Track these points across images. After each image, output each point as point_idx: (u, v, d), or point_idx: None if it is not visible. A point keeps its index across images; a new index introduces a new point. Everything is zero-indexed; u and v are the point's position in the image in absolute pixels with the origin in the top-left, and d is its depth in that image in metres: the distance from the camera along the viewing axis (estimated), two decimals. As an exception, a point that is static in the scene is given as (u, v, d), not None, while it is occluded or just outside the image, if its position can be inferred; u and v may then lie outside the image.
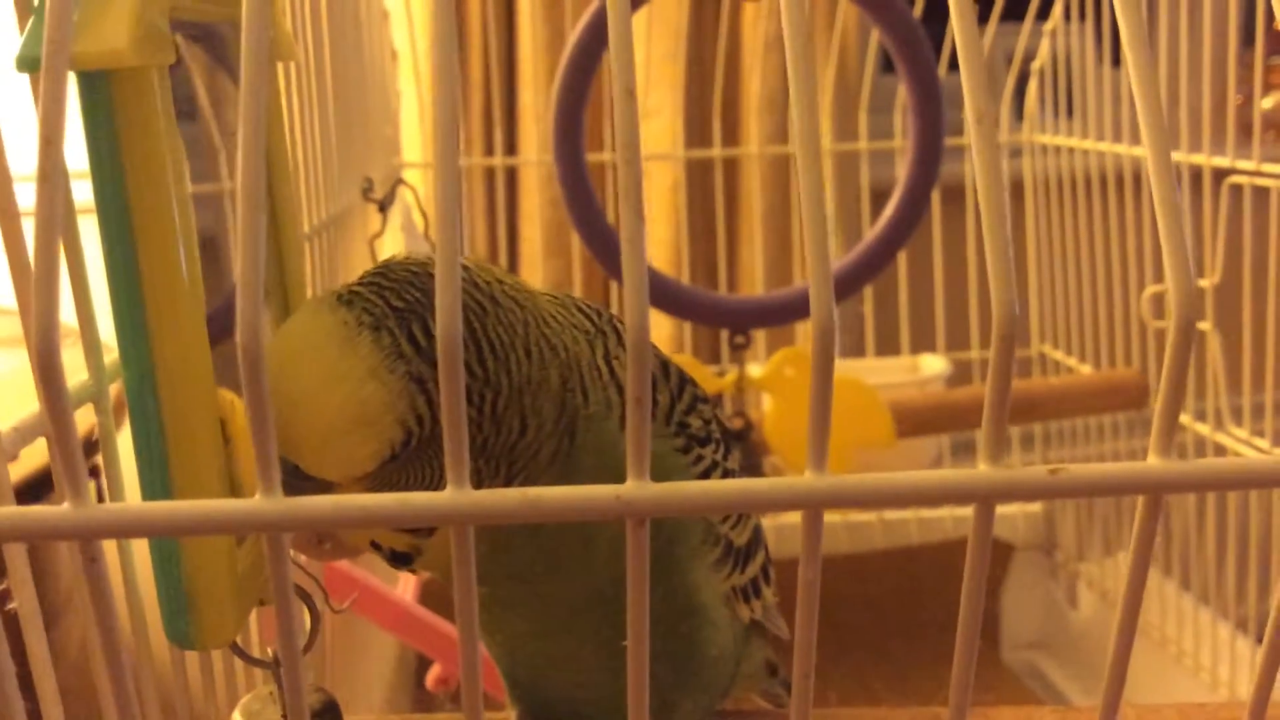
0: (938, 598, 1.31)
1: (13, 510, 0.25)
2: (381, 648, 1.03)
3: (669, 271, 1.40)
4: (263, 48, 0.25)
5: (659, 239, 1.56)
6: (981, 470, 0.27)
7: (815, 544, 0.28)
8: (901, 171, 0.96)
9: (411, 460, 0.38)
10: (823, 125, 1.42)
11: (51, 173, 0.25)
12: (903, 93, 1.17)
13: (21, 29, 0.32)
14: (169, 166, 0.32)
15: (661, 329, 1.43)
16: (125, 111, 0.31)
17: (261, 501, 0.26)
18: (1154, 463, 0.28)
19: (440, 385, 0.26)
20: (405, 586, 0.82)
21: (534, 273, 1.51)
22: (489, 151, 1.49)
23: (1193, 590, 1.19)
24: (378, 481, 0.38)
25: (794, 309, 0.99)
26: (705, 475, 0.44)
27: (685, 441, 0.44)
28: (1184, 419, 1.11)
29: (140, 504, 0.26)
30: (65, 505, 0.26)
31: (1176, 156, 1.08)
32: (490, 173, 1.50)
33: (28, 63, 0.30)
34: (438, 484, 0.38)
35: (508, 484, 0.39)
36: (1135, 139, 1.16)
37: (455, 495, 0.27)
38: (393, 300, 0.37)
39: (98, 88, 0.31)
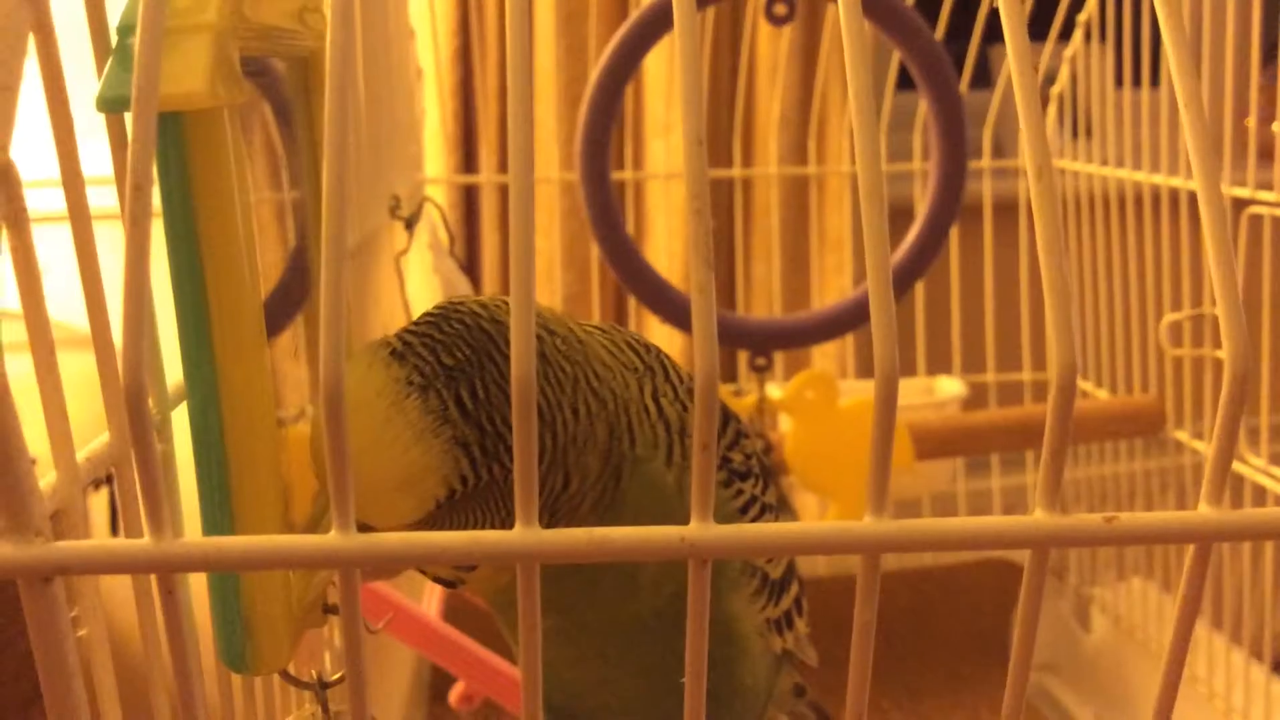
0: (950, 620, 1.32)
1: (95, 543, 0.26)
2: (398, 663, 1.03)
3: (683, 286, 1.41)
4: (346, 103, 0.25)
5: (675, 253, 1.57)
6: (1038, 517, 0.28)
7: (872, 587, 0.29)
8: (921, 194, 0.97)
9: (456, 509, 0.38)
10: (843, 145, 1.42)
11: (141, 217, 0.25)
12: (920, 112, 1.18)
13: (99, 68, 0.33)
14: (238, 203, 0.33)
15: (675, 346, 1.44)
16: (198, 150, 0.32)
17: (337, 538, 0.27)
18: (1206, 511, 0.28)
19: (514, 427, 0.26)
20: (429, 604, 0.83)
21: (550, 285, 1.52)
22: (503, 167, 1.50)
23: (1205, 616, 1.19)
24: (422, 526, 0.39)
25: (816, 331, 0.99)
26: (744, 509, 0.45)
27: (727, 476, 0.44)
28: (1200, 446, 1.12)
29: (218, 539, 0.27)
30: (146, 539, 0.26)
31: (1191, 185, 1.08)
32: (504, 188, 1.51)
33: (111, 103, 0.30)
34: (487, 524, 0.39)
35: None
36: (1155, 165, 1.17)
37: (524, 534, 0.27)
38: (444, 357, 0.38)
39: (171, 127, 0.32)
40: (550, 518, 0.39)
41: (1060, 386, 0.27)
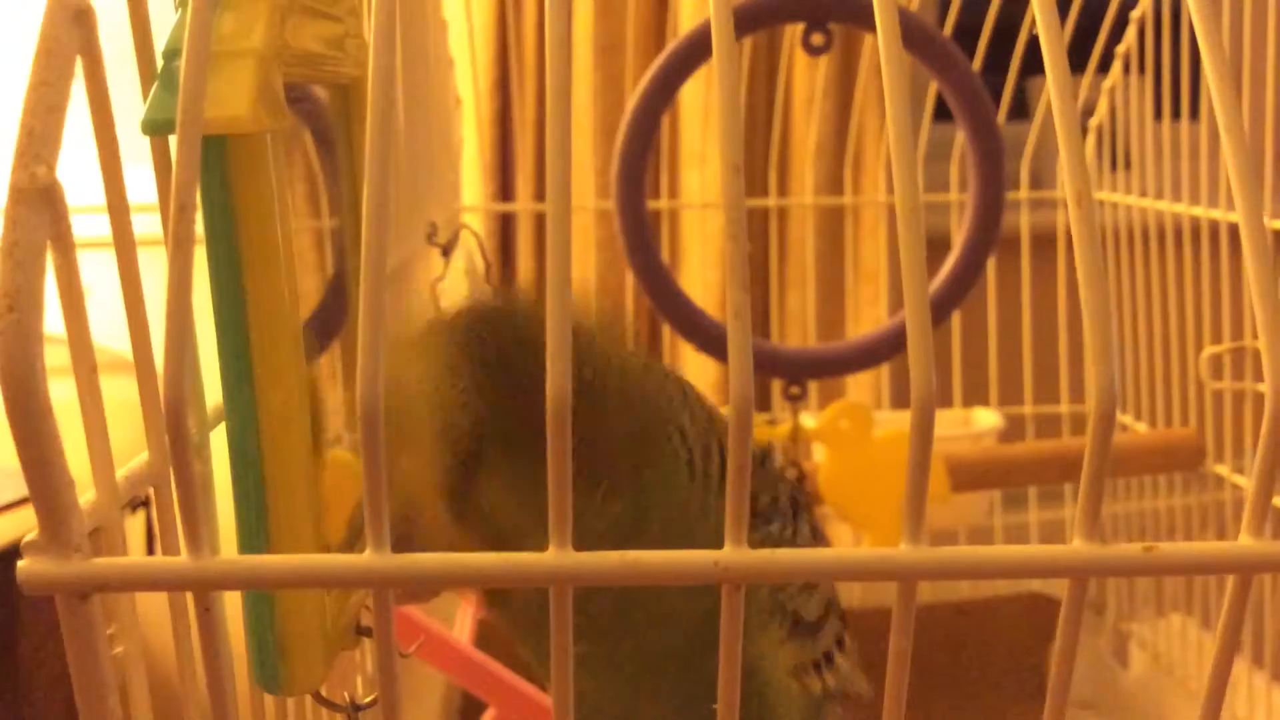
0: (985, 654, 1.30)
1: (133, 560, 0.26)
2: (429, 688, 1.03)
3: (717, 315, 1.41)
4: (389, 135, 0.26)
5: (709, 282, 1.57)
6: (1077, 546, 0.27)
7: (909, 615, 0.28)
8: (957, 225, 0.96)
9: (487, 471, 0.39)
10: (879, 175, 1.42)
11: (185, 238, 0.26)
12: (957, 143, 1.17)
13: (144, 92, 0.33)
14: (280, 227, 0.33)
15: (709, 375, 1.44)
16: (241, 174, 0.32)
17: (372, 557, 0.27)
18: (1247, 542, 0.28)
19: (549, 444, 0.26)
20: (461, 630, 0.83)
21: (584, 314, 1.52)
22: (539, 195, 1.51)
23: (1245, 654, 1.17)
24: (461, 503, 0.39)
25: (851, 360, 0.99)
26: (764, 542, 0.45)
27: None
28: (1241, 481, 1.10)
29: (256, 557, 0.27)
30: (183, 557, 0.26)
31: (1231, 217, 1.07)
32: (540, 217, 1.52)
33: (156, 126, 0.31)
34: (525, 504, 0.39)
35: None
36: (1195, 197, 1.16)
37: (557, 556, 0.27)
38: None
39: (215, 150, 0.32)
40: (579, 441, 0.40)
41: (1100, 414, 0.26)
